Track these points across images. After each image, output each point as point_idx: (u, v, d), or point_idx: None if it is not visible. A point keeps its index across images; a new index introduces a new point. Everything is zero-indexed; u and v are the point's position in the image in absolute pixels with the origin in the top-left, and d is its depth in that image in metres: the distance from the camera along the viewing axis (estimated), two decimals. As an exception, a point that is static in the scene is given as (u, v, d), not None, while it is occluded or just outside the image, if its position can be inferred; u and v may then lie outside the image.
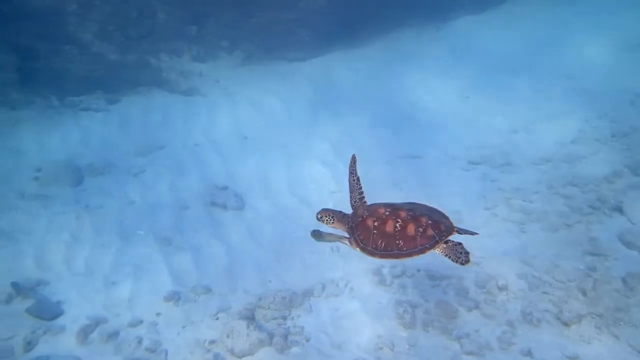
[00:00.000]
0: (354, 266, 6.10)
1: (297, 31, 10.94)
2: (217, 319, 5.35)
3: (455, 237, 3.37)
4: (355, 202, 3.65)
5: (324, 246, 6.46)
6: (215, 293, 5.70)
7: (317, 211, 3.67)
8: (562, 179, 7.28)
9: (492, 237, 6.32)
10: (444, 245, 3.36)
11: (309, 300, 5.61)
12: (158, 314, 5.36)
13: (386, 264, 6.06)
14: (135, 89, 9.69)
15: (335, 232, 3.63)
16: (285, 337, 5.08)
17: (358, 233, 3.42)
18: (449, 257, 3.37)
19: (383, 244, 3.33)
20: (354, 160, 3.73)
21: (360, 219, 3.45)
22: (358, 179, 3.70)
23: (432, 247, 3.32)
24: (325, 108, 9.71)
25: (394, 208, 3.43)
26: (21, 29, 8.60)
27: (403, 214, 3.36)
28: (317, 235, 3.62)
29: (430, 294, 5.60)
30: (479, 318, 5.31)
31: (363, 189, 3.66)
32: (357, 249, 3.47)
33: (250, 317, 5.27)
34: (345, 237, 3.54)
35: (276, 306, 5.42)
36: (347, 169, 3.73)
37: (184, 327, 5.23)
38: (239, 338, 4.92)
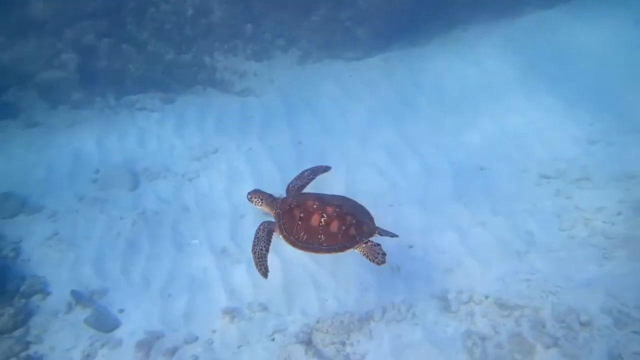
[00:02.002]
0: (416, 289, 5.78)
1: (355, 30, 10.57)
2: (273, 340, 5.17)
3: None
4: (291, 188, 3.82)
5: (383, 266, 6.13)
6: (271, 311, 5.51)
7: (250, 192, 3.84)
8: (649, 199, 6.61)
9: (571, 263, 5.80)
10: (364, 245, 3.49)
11: (369, 324, 5.32)
12: (214, 331, 5.22)
13: (451, 289, 5.69)
14: (190, 89, 9.63)
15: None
16: (346, 366, 4.83)
17: (283, 221, 3.49)
18: (367, 257, 3.50)
19: (305, 237, 3.41)
20: (324, 170, 3.99)
21: (288, 207, 3.52)
22: (311, 179, 3.89)
23: (351, 246, 3.45)
24: (383, 112, 9.32)
25: (322, 202, 3.49)
26: (84, 28, 8.66)
27: (330, 209, 3.43)
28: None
29: (501, 326, 5.18)
30: (559, 357, 4.84)
31: (306, 188, 3.82)
32: (280, 236, 3.54)
33: (307, 341, 5.05)
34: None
35: (334, 330, 5.17)
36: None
37: (239, 347, 5.07)
38: (297, 365, 4.70)
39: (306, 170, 3.91)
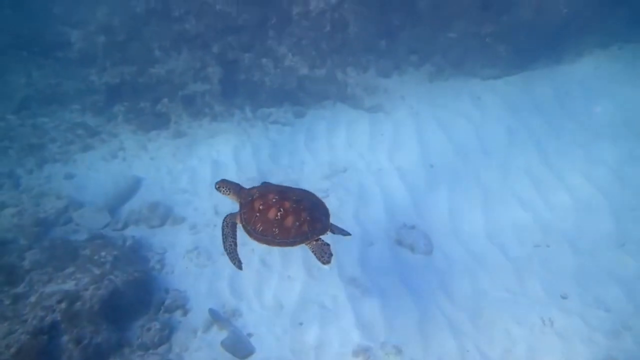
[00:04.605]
0: (575, 350, 5.01)
1: (495, 46, 9.80)
2: (411, 390, 4.76)
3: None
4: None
5: (534, 317, 5.46)
6: (406, 355, 5.11)
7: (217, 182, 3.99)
8: None
9: None
10: (314, 242, 3.59)
11: (520, 389, 4.70)
12: (347, 371, 4.96)
13: (619, 357, 4.84)
14: (321, 103, 9.57)
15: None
16: None
17: (244, 211, 3.65)
18: (315, 254, 3.57)
19: (261, 228, 3.55)
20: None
21: (250, 199, 3.63)
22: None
23: (302, 241, 3.57)
24: (524, 136, 8.47)
25: (282, 196, 3.60)
26: (229, 43, 9.01)
27: (287, 204, 3.54)
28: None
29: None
30: None
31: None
32: (240, 225, 3.70)
33: (451, 400, 4.57)
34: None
35: (480, 390, 4.63)
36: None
37: (374, 393, 4.75)
38: None
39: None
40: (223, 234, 3.77)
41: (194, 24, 8.95)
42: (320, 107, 9.53)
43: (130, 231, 6.52)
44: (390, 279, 6.07)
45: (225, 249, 3.75)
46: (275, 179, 7.63)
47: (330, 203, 7.18)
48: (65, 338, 4.52)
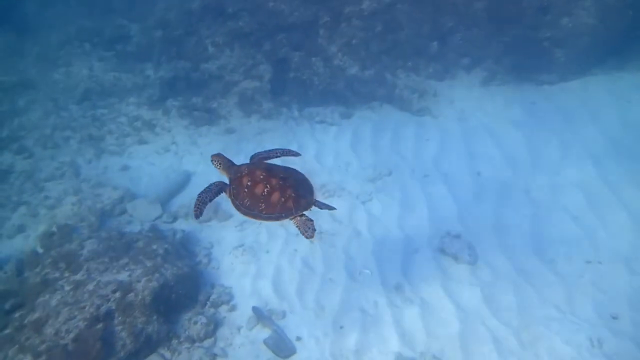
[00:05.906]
0: (625, 379, 4.83)
1: (552, 51, 9.48)
2: (452, 404, 4.73)
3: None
4: (255, 156, 4.13)
5: (582, 337, 5.30)
6: (446, 368, 5.08)
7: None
8: None
9: None
10: (299, 218, 3.74)
11: (565, 414, 4.58)
12: (385, 379, 4.98)
13: None
14: (368, 104, 9.55)
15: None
16: None
17: (233, 186, 3.83)
18: (299, 229, 3.75)
19: (248, 203, 3.71)
20: (294, 154, 4.33)
21: (239, 175, 3.82)
22: (277, 156, 4.15)
23: (287, 217, 3.73)
24: (579, 148, 8.16)
25: (269, 173, 3.78)
26: (281, 41, 9.11)
27: (274, 181, 3.71)
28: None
29: None
30: None
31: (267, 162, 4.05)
32: (229, 199, 3.84)
33: (491, 417, 4.51)
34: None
35: (523, 411, 4.54)
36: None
37: (412, 404, 4.75)
38: None
39: (278, 149, 4.27)
40: (207, 187, 3.90)
41: (247, 21, 9.09)
42: (367, 108, 9.51)
43: (179, 225, 6.75)
44: (432, 288, 6.02)
45: (199, 196, 3.85)
46: (319, 180, 7.72)
47: (373, 207, 7.35)
48: (119, 327, 4.77)
